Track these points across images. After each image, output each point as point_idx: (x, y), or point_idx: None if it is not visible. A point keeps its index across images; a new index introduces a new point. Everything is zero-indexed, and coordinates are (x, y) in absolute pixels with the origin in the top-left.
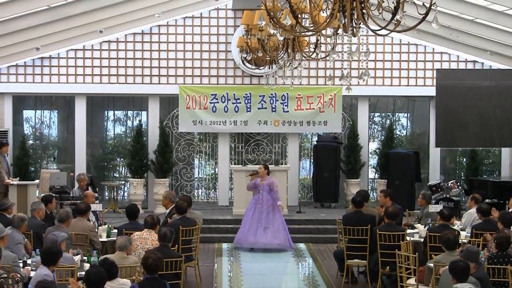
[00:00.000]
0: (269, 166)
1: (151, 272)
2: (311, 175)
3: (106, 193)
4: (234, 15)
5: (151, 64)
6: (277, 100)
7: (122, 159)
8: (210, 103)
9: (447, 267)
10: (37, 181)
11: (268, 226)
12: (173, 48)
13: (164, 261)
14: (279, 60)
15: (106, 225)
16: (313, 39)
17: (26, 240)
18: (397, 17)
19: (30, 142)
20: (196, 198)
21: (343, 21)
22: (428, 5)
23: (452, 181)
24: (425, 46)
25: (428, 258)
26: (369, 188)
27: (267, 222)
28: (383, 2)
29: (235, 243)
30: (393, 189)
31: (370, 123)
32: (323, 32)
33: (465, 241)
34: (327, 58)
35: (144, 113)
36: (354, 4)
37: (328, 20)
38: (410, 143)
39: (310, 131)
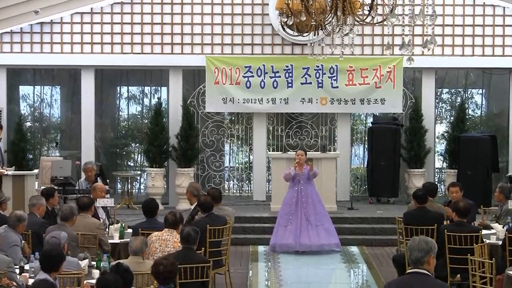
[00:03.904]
0: (315, 153)
1: (163, 282)
2: (366, 164)
3: (119, 186)
4: None
5: (172, 30)
6: (324, 74)
7: (137, 144)
8: (244, 77)
9: None
10: (36, 171)
11: (319, 223)
12: (199, 11)
13: (188, 267)
14: (327, 25)
15: (119, 224)
16: None
17: (23, 242)
18: None
19: (28, 124)
20: (227, 191)
21: None
22: None
23: None
24: (504, 8)
25: (508, 265)
26: (436, 180)
27: (317, 218)
28: None
29: (271, 248)
30: (465, 181)
31: (436, 101)
32: None
33: None
34: (385, 22)
35: (164, 89)
36: None
37: None
38: (486, 125)
39: (364, 111)
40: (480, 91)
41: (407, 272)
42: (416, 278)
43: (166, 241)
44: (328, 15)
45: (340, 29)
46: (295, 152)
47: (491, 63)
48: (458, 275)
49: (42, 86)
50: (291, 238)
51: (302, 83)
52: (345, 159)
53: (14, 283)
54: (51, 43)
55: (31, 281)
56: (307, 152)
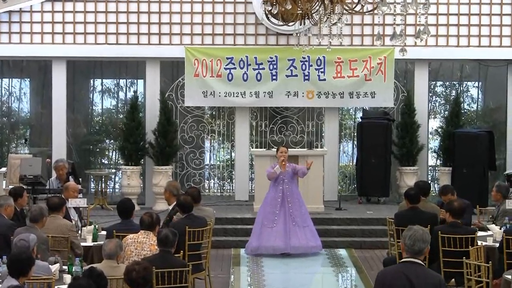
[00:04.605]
0: (301, 149)
1: None
2: (355, 161)
3: (92, 185)
4: None
5: (149, 19)
6: (311, 66)
7: (112, 141)
8: (225, 69)
9: None
10: (3, 169)
11: (305, 224)
12: None
13: (166, 272)
14: (314, 14)
15: (92, 226)
16: None
17: None
18: None
19: None
20: (207, 190)
21: None
22: None
23: None
24: None
25: (506, 268)
26: (429, 178)
27: (302, 219)
28: None
29: (253, 251)
30: (460, 179)
31: (430, 94)
32: None
33: None
34: (375, 11)
35: (140, 82)
36: None
37: None
38: (482, 120)
39: (353, 105)
40: (476, 84)
41: (401, 261)
42: (410, 267)
43: (142, 244)
44: (315, 4)
45: (328, 18)
46: (276, 149)
47: (487, 54)
48: (453, 280)
49: (10, 79)
50: (279, 239)
51: (287, 76)
52: (333, 156)
53: None
54: (20, 33)
55: None
56: (290, 149)
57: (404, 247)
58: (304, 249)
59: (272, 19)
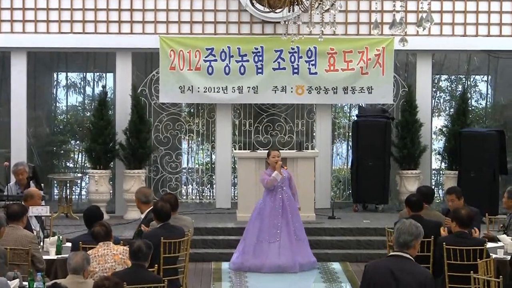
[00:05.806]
0: (290, 151)
1: None
2: (349, 164)
3: (56, 191)
4: None
5: (119, 6)
6: (301, 57)
7: (78, 142)
8: (205, 61)
9: None
10: None
11: (303, 237)
12: None
13: None
14: (304, 0)
15: (56, 237)
16: None
17: None
18: None
19: None
20: (185, 197)
21: None
22: None
23: None
24: None
25: None
26: (433, 183)
27: (301, 231)
28: None
29: (253, 269)
30: (467, 185)
31: (434, 90)
32: None
33: None
34: None
35: (110, 75)
36: None
37: None
38: (492, 119)
39: (348, 102)
40: (485, 78)
41: (389, 254)
42: (397, 261)
43: (105, 257)
44: None
45: (319, 4)
46: (267, 153)
47: (498, 44)
48: None
49: None
50: (284, 256)
51: (274, 69)
52: (325, 159)
53: None
54: None
55: None
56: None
57: (394, 240)
58: (309, 266)
59: (257, 5)
